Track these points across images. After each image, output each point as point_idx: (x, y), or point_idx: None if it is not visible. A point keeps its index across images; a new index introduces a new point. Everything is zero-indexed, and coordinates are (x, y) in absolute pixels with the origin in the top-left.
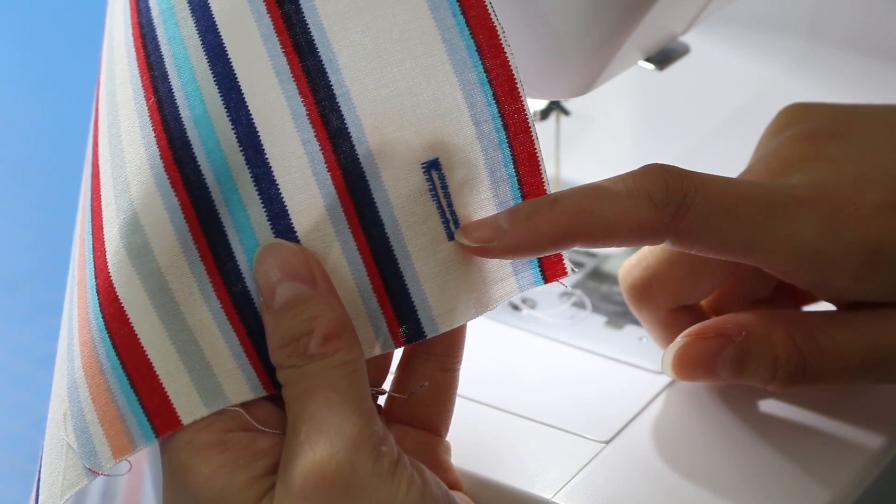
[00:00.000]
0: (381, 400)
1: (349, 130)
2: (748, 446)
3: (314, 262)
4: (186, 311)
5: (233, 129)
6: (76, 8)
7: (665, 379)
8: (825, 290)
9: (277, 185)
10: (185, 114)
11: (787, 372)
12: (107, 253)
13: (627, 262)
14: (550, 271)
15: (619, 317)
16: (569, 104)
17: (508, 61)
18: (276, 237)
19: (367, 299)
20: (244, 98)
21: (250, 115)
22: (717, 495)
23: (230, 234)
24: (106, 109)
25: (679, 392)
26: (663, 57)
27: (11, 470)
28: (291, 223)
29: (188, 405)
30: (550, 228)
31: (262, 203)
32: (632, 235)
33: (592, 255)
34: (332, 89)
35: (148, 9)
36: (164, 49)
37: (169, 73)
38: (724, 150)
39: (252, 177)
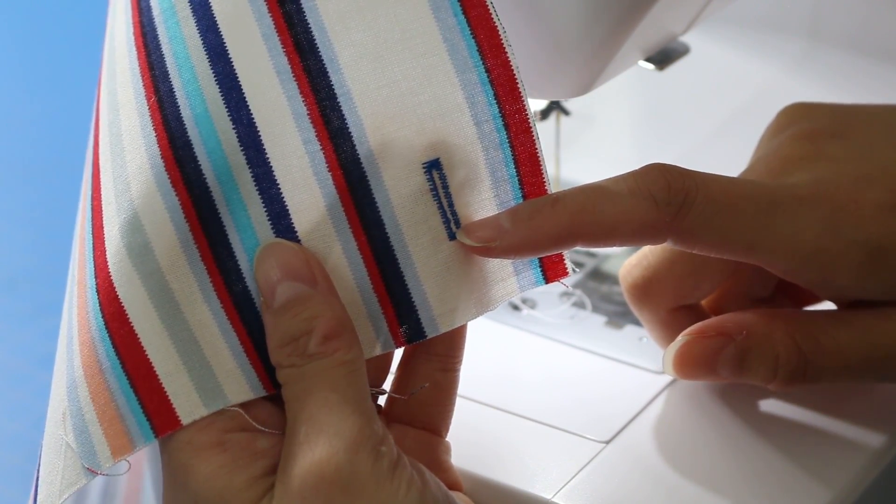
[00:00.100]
0: (382, 400)
1: (350, 130)
2: (748, 446)
3: (314, 261)
4: (186, 310)
5: (233, 128)
6: (76, 8)
7: (665, 379)
8: (826, 288)
9: (278, 184)
10: (185, 113)
11: (788, 371)
12: (107, 252)
13: (628, 261)
14: (551, 271)
15: (619, 317)
16: (569, 104)
17: (510, 61)
18: (276, 237)
19: (368, 299)
20: (245, 97)
21: (251, 114)
22: (717, 495)
23: (231, 234)
24: (107, 109)
25: (679, 392)
26: (663, 57)
27: (11, 470)
28: (292, 223)
29: (188, 405)
30: (552, 228)
31: (262, 203)
32: (633, 235)
33: (592, 255)
34: (333, 89)
35: (149, 8)
36: (165, 48)
37: (170, 72)
38: (724, 150)
39: (253, 176)
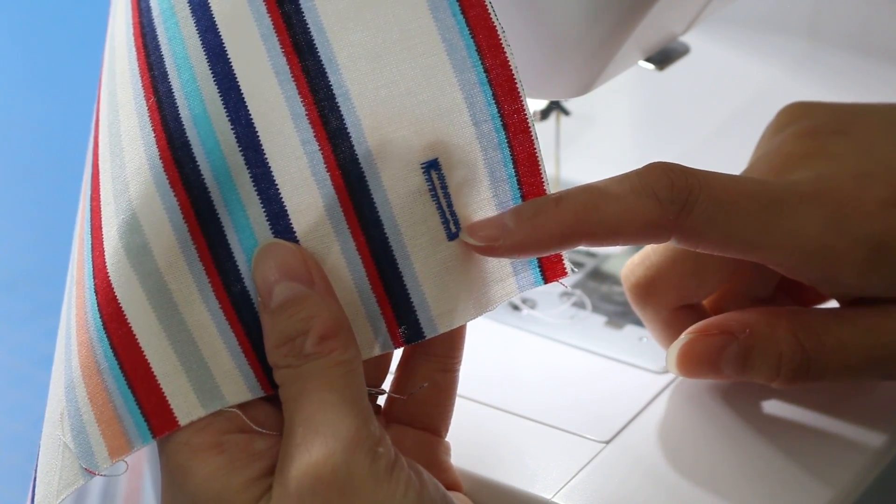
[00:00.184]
0: (381, 400)
1: (348, 130)
2: (749, 445)
3: (312, 262)
4: (185, 311)
5: (232, 129)
6: (76, 8)
7: (665, 379)
8: (830, 285)
9: (276, 185)
10: (184, 113)
11: (791, 369)
12: (105, 253)
13: (630, 260)
14: (550, 271)
15: (619, 317)
16: (569, 104)
17: (508, 61)
18: (275, 237)
19: (367, 300)
20: (243, 98)
21: (249, 114)
22: (717, 495)
23: (229, 234)
24: (107, 109)
25: (679, 392)
26: (663, 57)
27: (11, 470)
28: (290, 223)
29: (185, 406)
30: (556, 227)
31: (261, 203)
32: (637, 234)
33: (592, 255)
34: (332, 89)
35: (149, 9)
36: (165, 49)
37: (169, 72)
38: (724, 150)
39: (251, 177)
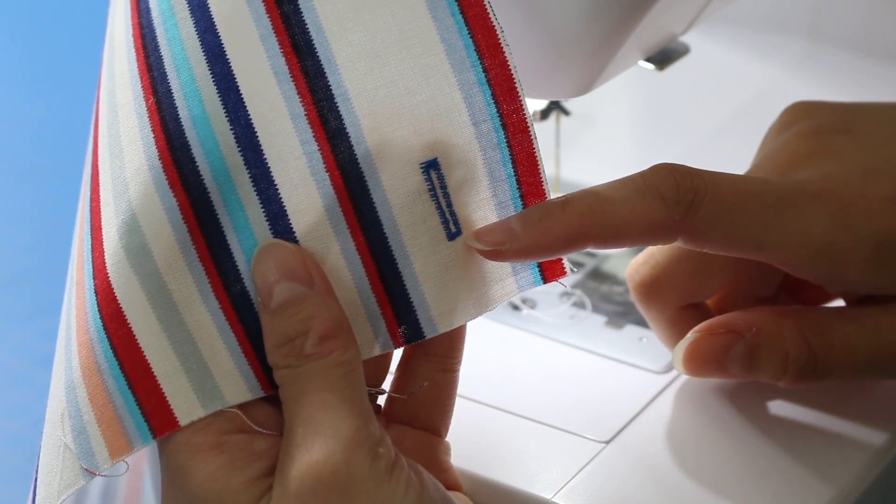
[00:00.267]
0: (381, 400)
1: (347, 130)
2: (749, 445)
3: (312, 262)
4: (185, 311)
5: (231, 129)
6: (76, 8)
7: (665, 379)
8: (836, 284)
9: (276, 185)
10: (183, 114)
11: (798, 368)
12: (105, 253)
13: (635, 260)
14: (549, 271)
15: (619, 317)
16: (569, 104)
17: (507, 61)
18: (274, 237)
19: (366, 300)
20: (243, 98)
21: (248, 115)
22: (718, 495)
23: (229, 235)
24: (106, 110)
25: (679, 392)
26: (663, 57)
27: (11, 470)
28: (290, 223)
29: (186, 406)
30: (562, 230)
31: (260, 203)
32: (644, 235)
33: (592, 256)
34: (331, 89)
35: (148, 10)
36: (164, 50)
37: (168, 73)
38: (724, 150)
39: (250, 177)
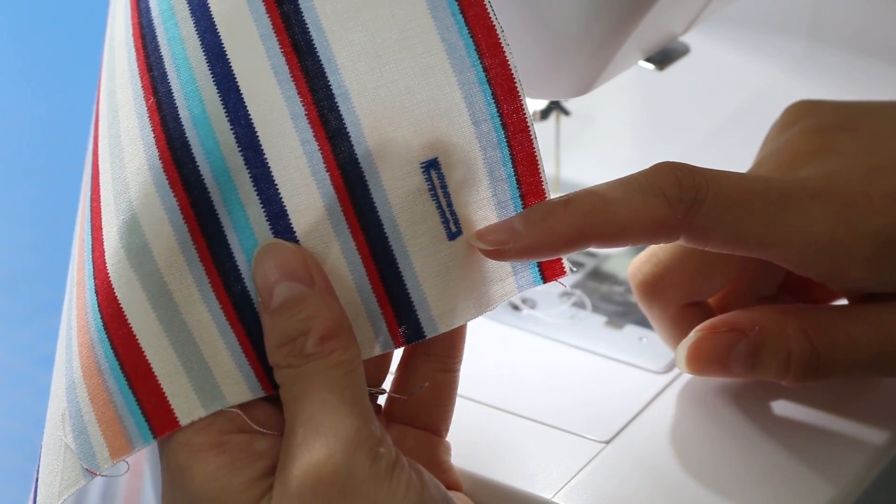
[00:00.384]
0: (382, 400)
1: (348, 130)
2: (749, 444)
3: (312, 262)
4: (185, 311)
5: (231, 129)
6: (76, 8)
7: (665, 379)
8: (839, 281)
9: (276, 185)
10: (184, 114)
11: (801, 366)
12: (106, 253)
13: (637, 258)
14: (549, 271)
15: (619, 317)
16: (569, 104)
17: (507, 60)
18: (275, 237)
19: (367, 299)
20: (243, 98)
21: (249, 115)
22: (718, 494)
23: (229, 235)
24: (106, 110)
25: (679, 392)
26: (663, 57)
27: (11, 470)
28: (290, 223)
29: (186, 406)
30: (565, 229)
31: (260, 203)
32: (646, 233)
33: (592, 255)
34: (331, 89)
35: (148, 9)
36: (164, 50)
37: (168, 73)
38: (724, 150)
39: (251, 177)
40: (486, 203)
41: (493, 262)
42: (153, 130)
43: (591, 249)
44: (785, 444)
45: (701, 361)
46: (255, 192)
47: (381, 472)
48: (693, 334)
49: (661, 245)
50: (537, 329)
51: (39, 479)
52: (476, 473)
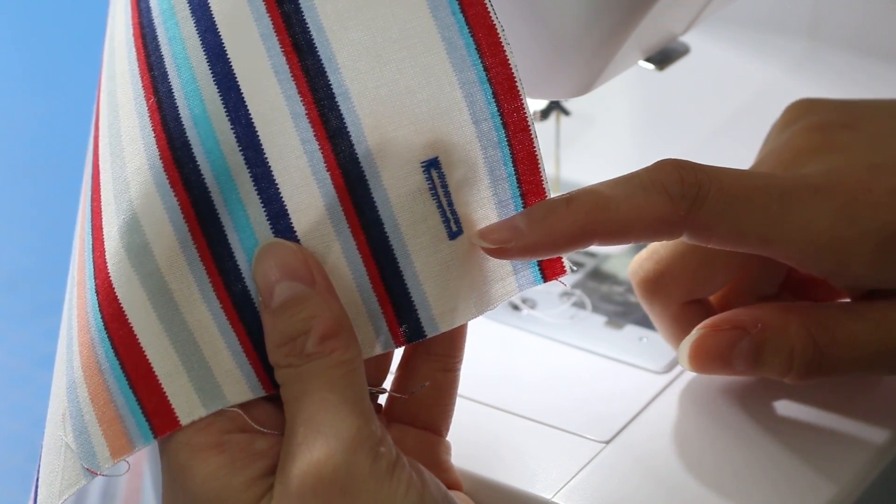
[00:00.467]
0: (382, 399)
1: (348, 130)
2: (750, 444)
3: (313, 261)
4: (185, 311)
5: (232, 128)
6: (76, 8)
7: (665, 379)
8: (841, 278)
9: (277, 184)
10: (184, 114)
11: (803, 363)
12: (106, 253)
13: (638, 255)
14: (549, 270)
15: (619, 317)
16: (569, 104)
17: (508, 60)
18: (275, 237)
19: (367, 299)
20: (243, 98)
21: (249, 114)
22: (718, 494)
23: (230, 234)
24: (107, 109)
25: (679, 392)
26: (663, 57)
27: (11, 470)
28: (291, 223)
29: (187, 406)
30: (568, 227)
31: (261, 203)
32: (649, 230)
33: (593, 255)
34: (332, 88)
35: (149, 9)
36: (165, 49)
37: (169, 73)
38: (724, 150)
39: (251, 176)
40: (487, 202)
41: (494, 261)
42: (153, 130)
43: (592, 249)
44: (785, 443)
45: (703, 359)
46: (256, 192)
47: (382, 472)
48: (695, 332)
49: (663, 242)
50: (537, 329)
51: (40, 479)
52: (476, 473)
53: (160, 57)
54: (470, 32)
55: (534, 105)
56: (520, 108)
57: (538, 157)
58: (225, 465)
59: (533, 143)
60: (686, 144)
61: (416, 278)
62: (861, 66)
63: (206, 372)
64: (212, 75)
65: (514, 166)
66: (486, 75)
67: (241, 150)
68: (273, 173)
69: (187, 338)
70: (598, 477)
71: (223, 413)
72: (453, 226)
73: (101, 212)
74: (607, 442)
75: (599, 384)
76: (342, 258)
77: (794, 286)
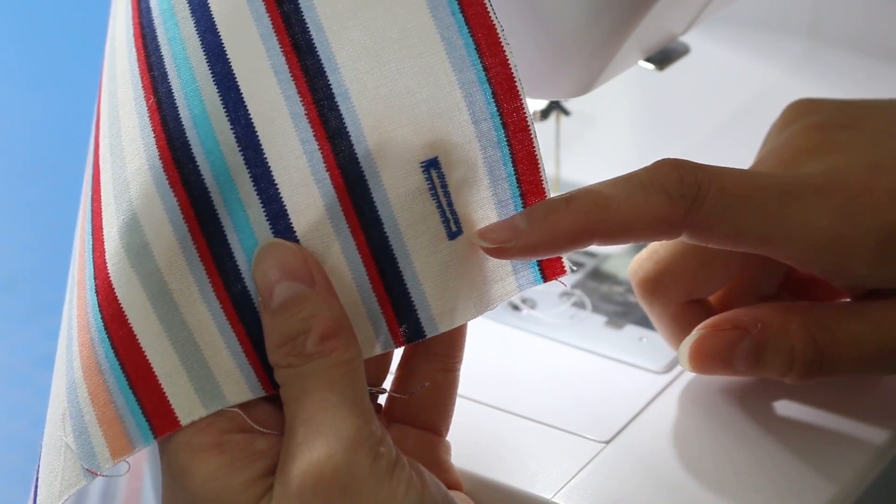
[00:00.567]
0: (382, 399)
1: (348, 130)
2: (750, 444)
3: (312, 261)
4: (185, 311)
5: (231, 129)
6: (76, 8)
7: (665, 379)
8: (842, 277)
9: (276, 184)
10: (184, 114)
11: (804, 363)
12: (106, 253)
13: (638, 256)
14: (549, 270)
15: (619, 317)
16: (569, 104)
17: (507, 59)
18: (275, 237)
19: (367, 299)
20: (243, 98)
21: (249, 114)
22: (718, 494)
23: (229, 234)
24: (107, 110)
25: (679, 392)
26: (663, 57)
27: (11, 470)
28: (290, 223)
29: (187, 406)
30: (568, 226)
31: (261, 203)
32: (648, 230)
33: (592, 255)
34: (331, 88)
35: (149, 9)
36: (164, 49)
37: (169, 73)
38: (724, 151)
39: (251, 176)
40: (487, 202)
41: (494, 261)
42: (153, 130)
43: (592, 249)
44: (785, 443)
45: (704, 359)
46: (256, 192)
47: (382, 472)
48: (696, 332)
49: (663, 242)
50: (537, 329)
51: (40, 480)
52: (476, 473)
53: (160, 57)
54: (469, 32)
55: (534, 105)
56: (519, 108)
57: (538, 157)
58: (225, 466)
59: (533, 143)
60: (686, 144)
61: (415, 278)
62: (861, 66)
63: (205, 372)
64: (211, 75)
65: (513, 166)
66: (486, 75)
67: (240, 151)
68: (273, 173)
69: (187, 338)
70: (598, 477)
71: (223, 413)
72: (453, 226)
73: (101, 212)
74: (607, 442)
75: (599, 384)
76: (342, 258)
77: (794, 286)
